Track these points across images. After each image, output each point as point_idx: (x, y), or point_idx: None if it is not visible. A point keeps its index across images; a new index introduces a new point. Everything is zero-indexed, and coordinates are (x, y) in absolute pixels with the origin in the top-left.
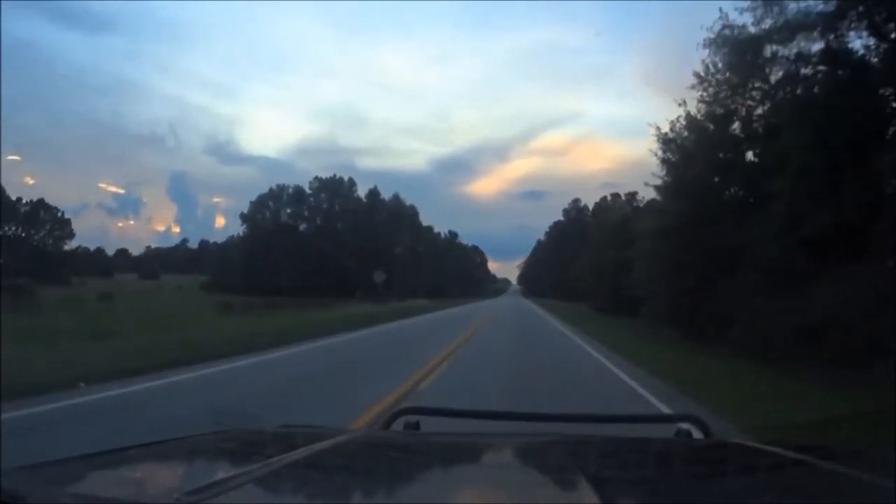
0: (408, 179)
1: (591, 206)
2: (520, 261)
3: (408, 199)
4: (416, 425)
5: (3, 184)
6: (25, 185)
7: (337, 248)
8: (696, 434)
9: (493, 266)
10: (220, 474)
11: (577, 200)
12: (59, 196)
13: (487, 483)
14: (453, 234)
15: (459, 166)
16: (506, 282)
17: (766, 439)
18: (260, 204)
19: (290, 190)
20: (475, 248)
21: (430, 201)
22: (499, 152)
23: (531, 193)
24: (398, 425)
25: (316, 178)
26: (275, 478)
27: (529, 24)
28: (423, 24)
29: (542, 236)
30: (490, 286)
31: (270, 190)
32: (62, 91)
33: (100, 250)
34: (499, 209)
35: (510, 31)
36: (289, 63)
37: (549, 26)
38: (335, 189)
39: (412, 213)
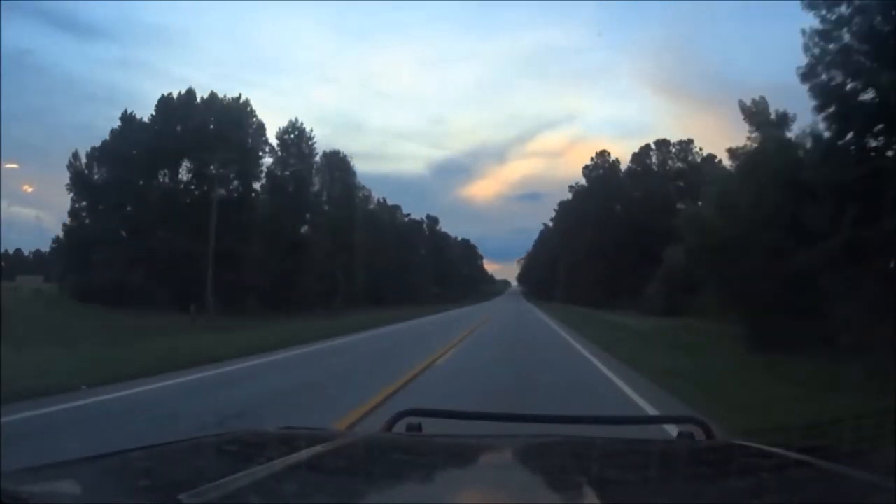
0: (406, 183)
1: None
2: (521, 258)
3: (324, 136)
4: (419, 427)
5: (3, 191)
6: (25, 193)
7: (183, 226)
8: (699, 436)
9: (493, 268)
10: (222, 476)
11: (604, 153)
12: (59, 203)
13: (491, 485)
14: (432, 220)
15: (457, 169)
16: (504, 283)
17: (769, 440)
18: (107, 153)
19: (135, 123)
20: (466, 241)
21: (429, 204)
22: (496, 154)
23: (530, 195)
24: (400, 427)
25: (162, 96)
26: (277, 480)
27: (525, 26)
28: (419, 28)
29: (548, 223)
30: (487, 287)
31: (113, 131)
32: (60, 98)
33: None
34: (497, 211)
35: (506, 33)
36: (285, 68)
37: (546, 28)
38: (187, 111)
39: (339, 166)
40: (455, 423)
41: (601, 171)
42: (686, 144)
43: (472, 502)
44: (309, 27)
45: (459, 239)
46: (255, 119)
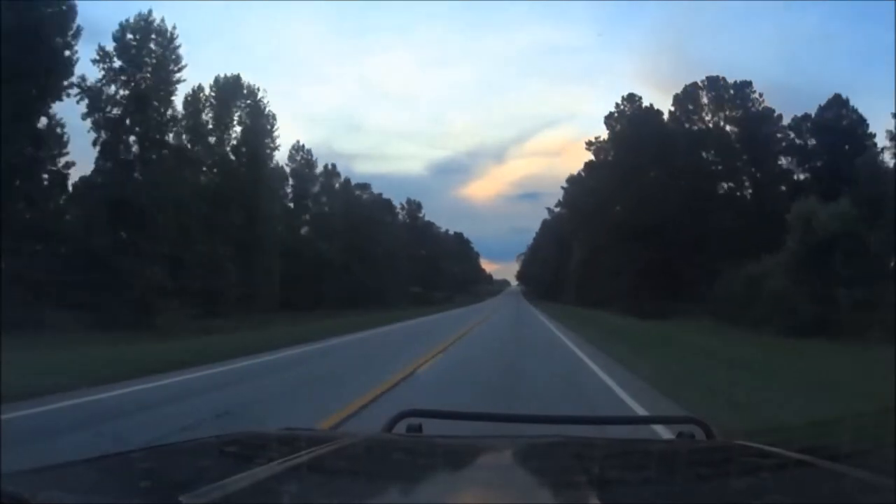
0: (405, 183)
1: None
2: (521, 253)
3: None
4: (419, 428)
5: None
6: None
7: None
8: (699, 436)
9: (493, 267)
10: (223, 477)
11: (633, 97)
12: None
13: (491, 485)
14: (414, 205)
15: (457, 169)
16: (504, 283)
17: (769, 440)
18: None
19: None
20: (459, 235)
21: (428, 204)
22: (495, 154)
23: (529, 195)
24: (400, 428)
25: None
26: (277, 480)
27: (525, 26)
28: (419, 28)
29: (552, 208)
30: (482, 287)
31: None
32: None
33: None
34: (496, 211)
35: (505, 32)
36: (283, 69)
37: (545, 27)
38: None
39: (242, 99)
40: (455, 423)
41: (634, 117)
42: (742, 88)
43: (473, 503)
44: (307, 28)
45: (452, 233)
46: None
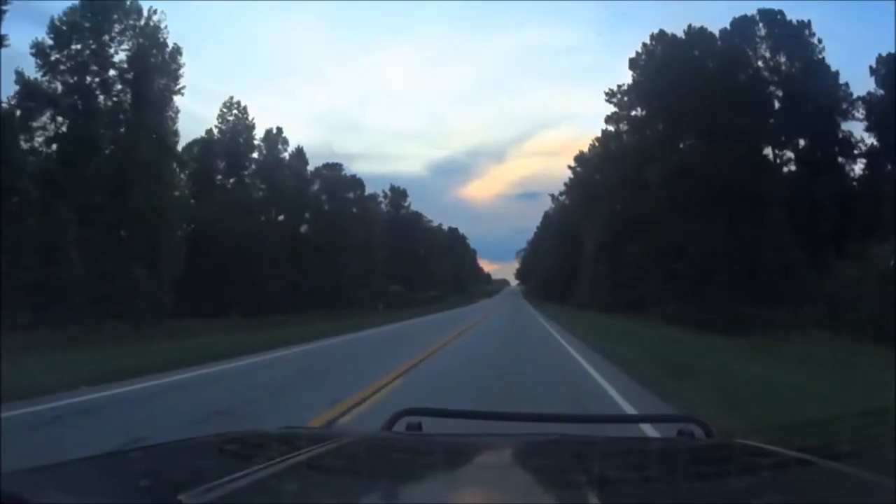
0: (405, 183)
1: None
2: (521, 250)
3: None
4: (419, 426)
5: None
6: None
7: None
8: (698, 435)
9: (492, 267)
10: (222, 476)
11: (665, 34)
12: None
13: (491, 484)
14: (398, 193)
15: (456, 169)
16: (503, 282)
17: (769, 439)
18: None
19: None
20: (453, 231)
21: (428, 204)
22: (495, 154)
23: (529, 194)
24: (400, 426)
25: None
26: (277, 480)
27: (525, 26)
28: (417, 29)
29: (556, 195)
30: (480, 287)
31: None
32: None
33: None
34: (496, 211)
35: (506, 32)
36: (282, 70)
37: (545, 27)
38: None
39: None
40: (455, 422)
41: (681, 46)
42: (800, 30)
43: (473, 502)
44: (307, 28)
45: (446, 228)
46: None
